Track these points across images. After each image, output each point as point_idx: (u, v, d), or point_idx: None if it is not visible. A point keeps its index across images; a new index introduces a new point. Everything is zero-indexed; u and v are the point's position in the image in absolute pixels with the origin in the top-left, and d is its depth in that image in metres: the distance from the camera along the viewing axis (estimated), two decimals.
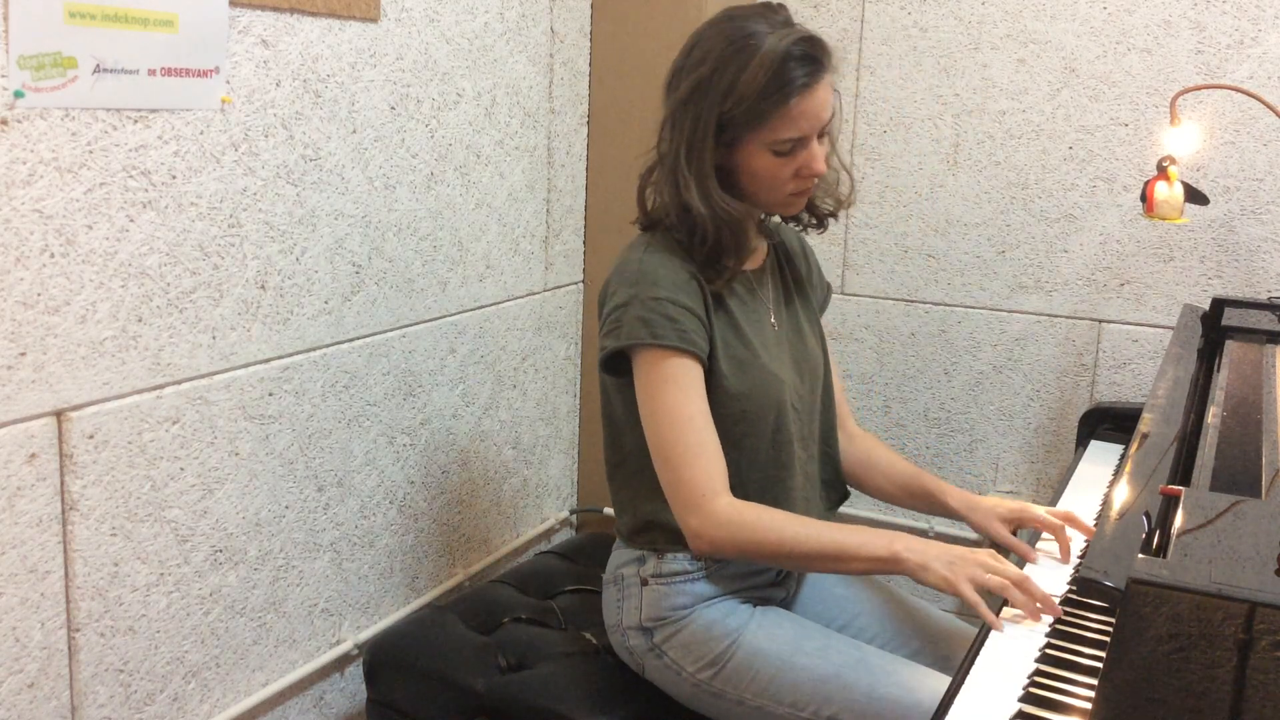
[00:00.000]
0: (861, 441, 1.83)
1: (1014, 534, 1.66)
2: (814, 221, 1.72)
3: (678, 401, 1.51)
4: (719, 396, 1.55)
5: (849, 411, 1.86)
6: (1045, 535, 1.60)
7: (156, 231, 1.54)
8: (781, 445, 1.60)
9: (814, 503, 1.69)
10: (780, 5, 1.57)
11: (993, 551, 1.45)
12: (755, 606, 1.62)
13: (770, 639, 1.55)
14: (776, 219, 1.74)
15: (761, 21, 1.51)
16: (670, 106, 1.56)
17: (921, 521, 2.58)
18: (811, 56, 1.50)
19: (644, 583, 1.61)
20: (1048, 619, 1.32)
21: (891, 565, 1.45)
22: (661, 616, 1.59)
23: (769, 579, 1.67)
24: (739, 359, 1.57)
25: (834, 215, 1.71)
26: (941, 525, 2.55)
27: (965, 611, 2.28)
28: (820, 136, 1.54)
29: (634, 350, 1.53)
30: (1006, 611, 1.36)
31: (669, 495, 1.53)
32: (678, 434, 1.50)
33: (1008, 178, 2.41)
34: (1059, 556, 1.54)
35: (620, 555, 1.67)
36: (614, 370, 1.58)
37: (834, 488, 1.77)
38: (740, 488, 1.56)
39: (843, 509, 1.81)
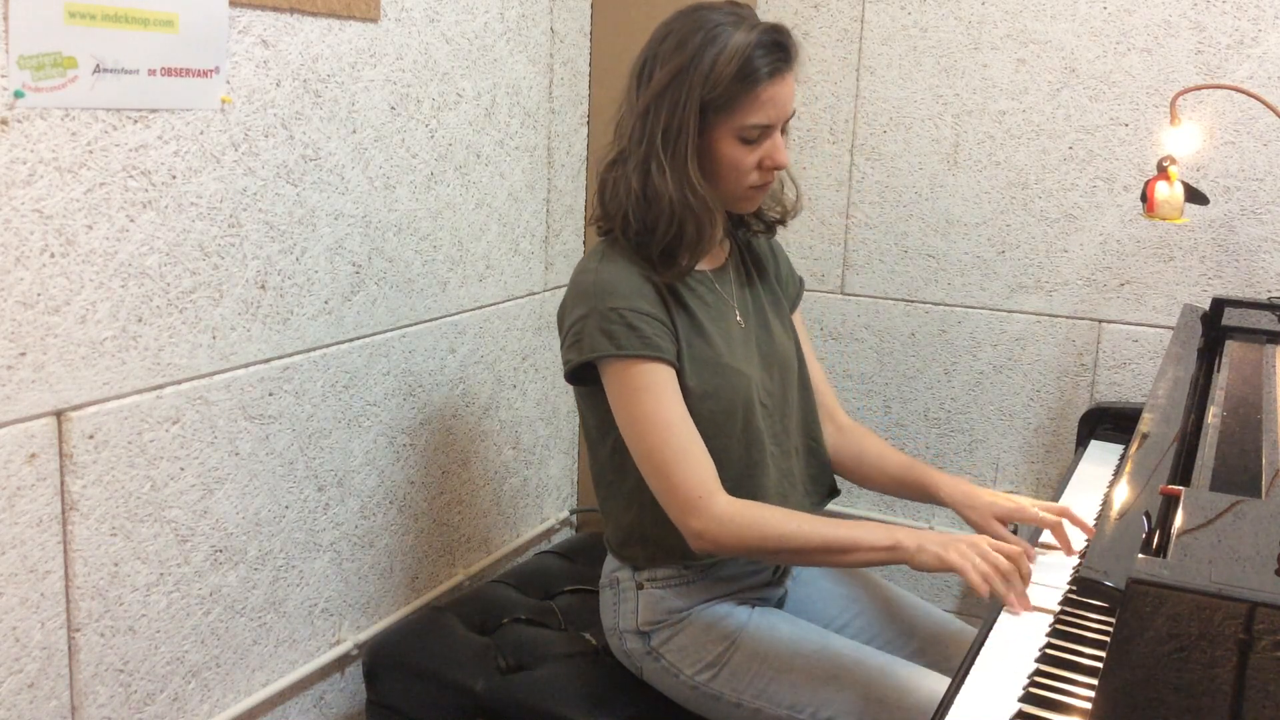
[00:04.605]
0: (852, 434, 1.82)
1: (1013, 531, 1.66)
2: (761, 228, 1.75)
3: (654, 408, 1.50)
4: (686, 398, 1.54)
5: (836, 403, 1.85)
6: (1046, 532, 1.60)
7: (156, 231, 1.54)
8: (751, 443, 1.59)
9: (793, 500, 1.67)
10: (746, 5, 1.60)
11: (989, 539, 1.46)
12: (753, 608, 1.61)
13: (768, 640, 1.55)
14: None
15: (729, 14, 1.55)
16: (646, 96, 1.54)
17: (923, 519, 2.58)
18: (780, 44, 1.54)
19: (640, 586, 1.61)
20: (1044, 618, 1.32)
21: (891, 553, 1.46)
22: (658, 620, 1.59)
23: (764, 579, 1.67)
24: (703, 358, 1.57)
25: (782, 222, 1.75)
26: (943, 523, 2.55)
27: (965, 611, 2.29)
28: (783, 130, 1.58)
29: (600, 363, 1.53)
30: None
31: (664, 502, 1.52)
32: (661, 440, 1.50)
33: (1008, 178, 2.41)
34: (1060, 549, 1.54)
35: (613, 562, 1.68)
36: (580, 380, 1.58)
37: (820, 483, 1.76)
38: None
39: (842, 507, 1.80)
